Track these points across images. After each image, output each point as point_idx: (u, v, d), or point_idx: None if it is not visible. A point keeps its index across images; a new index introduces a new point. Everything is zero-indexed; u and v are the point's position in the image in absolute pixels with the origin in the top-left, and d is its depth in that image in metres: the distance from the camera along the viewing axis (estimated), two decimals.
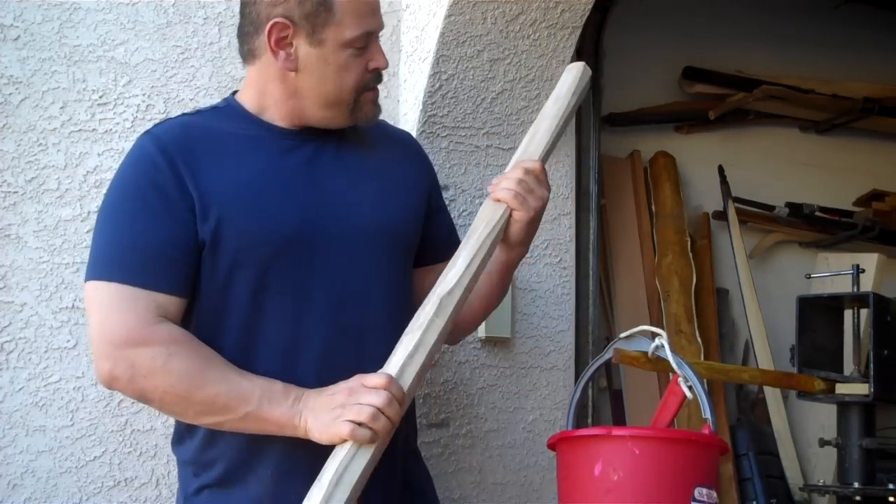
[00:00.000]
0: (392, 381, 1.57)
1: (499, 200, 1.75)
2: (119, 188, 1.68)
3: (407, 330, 1.65)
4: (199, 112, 1.82)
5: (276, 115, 1.75)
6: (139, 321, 1.58)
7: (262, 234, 1.65)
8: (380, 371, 1.60)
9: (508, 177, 1.75)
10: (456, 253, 1.72)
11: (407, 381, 1.60)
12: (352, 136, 1.82)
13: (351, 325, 1.70)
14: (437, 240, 1.89)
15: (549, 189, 1.79)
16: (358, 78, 1.72)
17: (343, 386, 1.58)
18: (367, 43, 1.72)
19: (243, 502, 1.66)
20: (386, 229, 1.76)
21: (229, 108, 1.77)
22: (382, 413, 1.55)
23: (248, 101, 1.76)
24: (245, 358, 1.64)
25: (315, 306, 1.68)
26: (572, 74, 1.90)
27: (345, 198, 1.74)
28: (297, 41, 1.69)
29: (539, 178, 1.76)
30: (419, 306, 1.68)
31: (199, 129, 1.72)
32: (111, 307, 1.59)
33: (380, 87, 1.80)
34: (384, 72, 1.79)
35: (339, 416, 1.55)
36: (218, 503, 1.68)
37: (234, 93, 1.81)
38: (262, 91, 1.75)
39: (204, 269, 1.65)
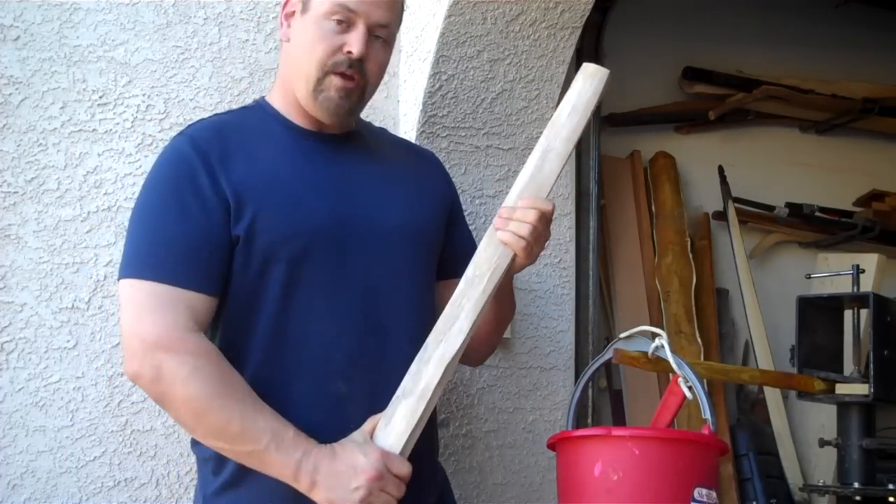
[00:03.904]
0: (410, 473, 1.61)
1: (505, 244, 1.69)
2: (153, 187, 1.69)
3: (406, 388, 1.63)
4: (230, 112, 1.86)
5: (297, 113, 1.77)
6: (172, 325, 1.58)
7: (294, 227, 1.66)
8: (398, 455, 1.60)
9: (520, 219, 1.67)
10: (455, 300, 1.67)
11: (406, 454, 1.62)
12: (375, 146, 1.85)
13: (378, 322, 1.71)
14: (458, 254, 1.87)
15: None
16: (326, 52, 1.69)
17: (366, 464, 1.57)
18: (349, 21, 1.69)
19: (266, 499, 1.65)
20: (412, 230, 1.78)
21: (258, 108, 1.81)
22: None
23: (274, 99, 1.80)
24: (275, 351, 1.66)
25: (344, 302, 1.69)
26: (593, 85, 1.75)
27: (373, 198, 1.76)
28: (297, 12, 1.74)
29: (549, 220, 1.72)
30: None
31: (231, 128, 1.74)
32: (145, 307, 1.59)
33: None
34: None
35: (362, 501, 1.56)
36: (241, 501, 1.67)
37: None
38: (280, 77, 1.80)
39: (237, 263, 1.66)
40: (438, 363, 1.63)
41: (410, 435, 1.62)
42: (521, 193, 1.71)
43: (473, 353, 1.86)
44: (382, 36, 1.73)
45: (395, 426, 1.62)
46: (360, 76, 1.71)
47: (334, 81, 1.70)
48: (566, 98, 1.76)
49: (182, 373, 1.56)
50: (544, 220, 1.69)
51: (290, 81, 1.75)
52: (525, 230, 1.67)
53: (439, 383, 1.63)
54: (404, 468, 1.60)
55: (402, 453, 1.61)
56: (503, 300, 1.87)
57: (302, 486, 1.58)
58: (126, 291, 1.63)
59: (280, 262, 1.66)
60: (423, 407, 1.62)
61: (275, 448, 1.57)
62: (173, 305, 1.59)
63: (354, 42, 1.69)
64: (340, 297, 1.69)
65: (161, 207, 1.66)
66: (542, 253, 2.40)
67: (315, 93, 1.71)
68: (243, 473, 1.66)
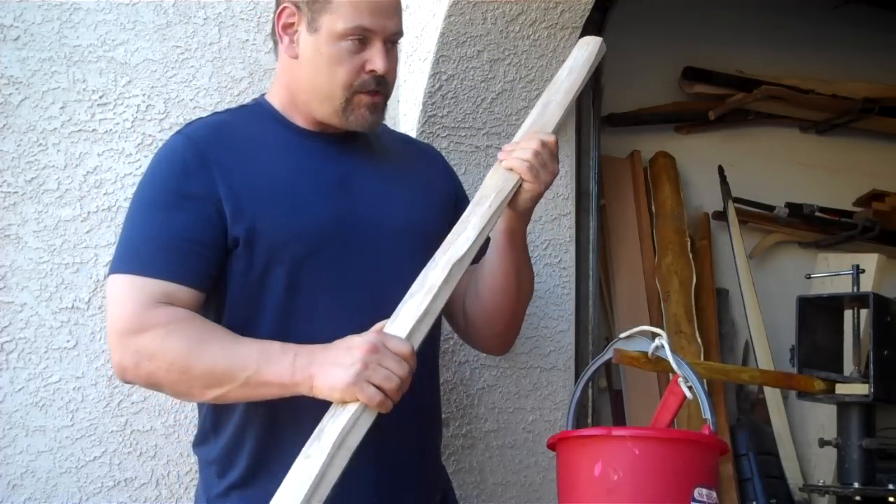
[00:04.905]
0: (413, 354, 1.54)
1: (511, 170, 1.71)
2: (147, 187, 1.70)
3: (412, 290, 1.60)
4: (229, 111, 1.85)
5: (298, 115, 1.76)
6: (139, 307, 1.58)
7: (296, 231, 1.66)
8: (399, 336, 1.54)
9: (524, 147, 1.71)
10: (464, 218, 1.68)
11: (414, 347, 1.57)
12: (377, 144, 1.84)
13: None
14: None
15: (558, 163, 1.76)
16: (350, 74, 1.69)
17: (360, 340, 1.53)
18: (365, 39, 1.69)
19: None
20: (417, 230, 1.77)
21: (258, 108, 1.80)
22: (402, 385, 1.52)
23: (274, 99, 1.79)
24: None
25: (347, 304, 1.68)
26: (588, 49, 1.86)
27: (376, 198, 1.75)
28: (300, 27, 1.71)
29: (553, 152, 1.73)
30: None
31: (229, 129, 1.74)
32: (120, 298, 1.60)
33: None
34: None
35: (359, 374, 1.49)
36: (247, 502, 1.66)
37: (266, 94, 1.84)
38: (281, 84, 1.78)
39: (238, 266, 1.66)
40: (445, 265, 1.61)
41: (416, 324, 1.56)
42: (524, 135, 1.76)
43: (495, 322, 1.85)
44: (394, 42, 1.74)
45: (400, 320, 1.57)
46: (384, 87, 1.73)
47: (363, 100, 1.71)
48: (564, 64, 1.86)
49: (157, 343, 1.56)
50: (547, 149, 1.72)
51: (305, 100, 1.73)
52: (528, 154, 1.70)
53: (446, 281, 1.60)
54: (404, 346, 1.53)
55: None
56: (520, 263, 1.82)
57: (303, 387, 1.54)
58: (109, 288, 1.64)
59: (282, 265, 1.66)
60: (428, 300, 1.58)
61: (265, 362, 1.54)
62: (145, 290, 1.59)
63: (377, 60, 1.69)
64: (343, 299, 1.68)
65: (149, 206, 1.66)
66: (542, 253, 2.42)
67: (345, 113, 1.71)
68: (250, 475, 1.65)
